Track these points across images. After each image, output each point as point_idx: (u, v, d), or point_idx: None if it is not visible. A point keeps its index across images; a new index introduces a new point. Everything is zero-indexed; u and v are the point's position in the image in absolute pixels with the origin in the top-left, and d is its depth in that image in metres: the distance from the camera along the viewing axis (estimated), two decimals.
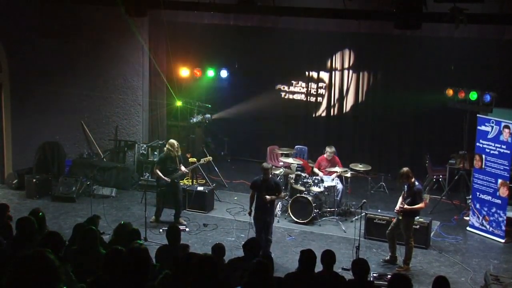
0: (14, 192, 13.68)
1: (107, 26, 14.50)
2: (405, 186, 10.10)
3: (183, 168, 11.97)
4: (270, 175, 10.43)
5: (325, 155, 13.14)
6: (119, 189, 13.96)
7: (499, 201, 11.54)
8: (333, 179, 12.64)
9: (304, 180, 12.48)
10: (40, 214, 7.91)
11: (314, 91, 16.55)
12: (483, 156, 11.81)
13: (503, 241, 11.48)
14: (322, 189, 12.33)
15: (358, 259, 7.13)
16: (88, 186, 13.70)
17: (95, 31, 14.59)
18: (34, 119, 14.34)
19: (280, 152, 13.89)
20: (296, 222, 12.11)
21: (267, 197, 10.05)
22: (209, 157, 13.06)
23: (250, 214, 10.44)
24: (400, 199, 10.15)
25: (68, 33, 14.48)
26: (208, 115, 15.90)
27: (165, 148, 12.15)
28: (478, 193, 11.99)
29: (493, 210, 11.63)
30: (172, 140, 12.04)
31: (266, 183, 10.18)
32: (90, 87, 14.85)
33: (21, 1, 13.71)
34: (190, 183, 13.85)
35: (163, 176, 11.74)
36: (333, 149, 13.11)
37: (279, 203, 12.62)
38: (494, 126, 11.57)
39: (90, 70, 14.82)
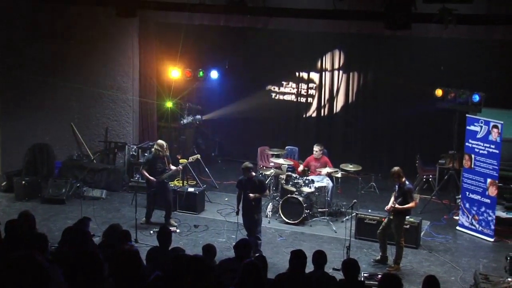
0: (3, 195, 13.59)
1: (97, 27, 14.46)
2: (396, 186, 10.16)
3: (173, 167, 11.97)
4: (254, 174, 10.53)
5: (314, 155, 13.15)
6: (109, 190, 13.92)
7: (488, 201, 11.60)
8: (323, 179, 12.68)
9: (295, 181, 12.49)
10: (30, 216, 7.86)
11: (305, 92, 16.58)
12: (473, 155, 11.87)
13: (492, 240, 11.54)
14: (312, 189, 12.35)
15: (348, 259, 7.16)
16: (78, 188, 13.64)
17: (85, 32, 14.55)
18: (24, 121, 14.28)
19: (271, 152, 13.92)
20: (287, 223, 12.12)
21: (251, 195, 10.21)
22: (197, 155, 13.04)
23: (237, 213, 10.57)
24: (392, 198, 10.20)
25: (58, 34, 14.43)
26: (198, 116, 15.88)
27: (153, 149, 12.14)
28: (467, 193, 12.04)
29: (482, 209, 11.69)
30: (160, 141, 12.05)
31: (250, 181, 10.31)
32: (80, 88, 14.78)
33: (11, 3, 13.64)
34: (181, 184, 13.84)
35: (149, 177, 11.72)
36: (321, 147, 13.12)
37: (270, 203, 12.64)
38: (483, 126, 11.64)
39: (80, 71, 14.76)
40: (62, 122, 14.99)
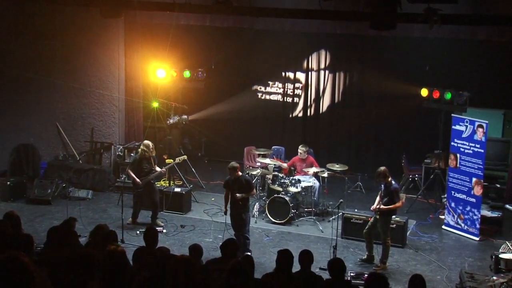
0: None
1: (82, 28, 14.36)
2: (382, 186, 10.20)
3: (158, 168, 11.94)
4: (240, 173, 10.57)
5: (299, 155, 13.16)
6: (95, 191, 13.85)
7: (473, 200, 11.67)
8: (310, 179, 12.70)
9: (282, 181, 12.50)
10: (15, 217, 7.81)
11: (291, 92, 16.61)
12: (458, 155, 11.95)
13: (477, 239, 11.62)
14: (299, 189, 12.36)
15: (334, 258, 7.17)
16: (64, 188, 13.57)
17: (70, 32, 14.45)
18: (8, 121, 14.17)
19: (257, 152, 13.91)
20: (274, 223, 12.13)
21: (237, 194, 10.24)
22: (184, 156, 13.00)
23: (225, 213, 10.57)
24: (378, 198, 10.24)
25: (43, 34, 14.33)
26: (184, 116, 15.84)
27: (139, 149, 12.10)
28: (453, 192, 12.12)
29: (468, 208, 11.76)
30: (146, 141, 12.00)
31: (237, 181, 10.33)
32: (65, 88, 14.70)
33: None
34: (167, 184, 13.80)
35: (135, 178, 11.68)
36: (306, 148, 13.15)
37: (257, 203, 12.64)
38: (468, 126, 11.71)
39: (65, 72, 14.66)
40: (47, 122, 14.89)
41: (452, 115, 12.30)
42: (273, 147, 14.89)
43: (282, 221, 12.09)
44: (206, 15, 13.33)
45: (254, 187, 10.89)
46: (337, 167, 12.74)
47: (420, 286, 6.11)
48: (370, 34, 13.10)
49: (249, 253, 10.11)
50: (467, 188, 11.79)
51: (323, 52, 16.16)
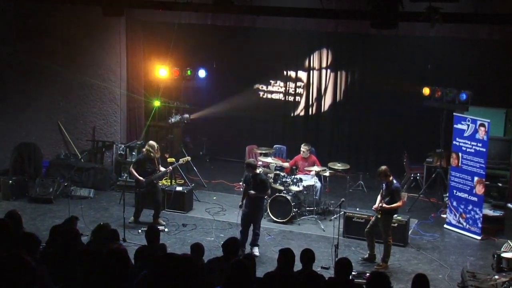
0: None
1: (84, 26, 14.38)
2: (383, 185, 10.19)
3: (162, 168, 11.94)
4: (256, 172, 10.66)
5: (301, 154, 13.16)
6: (97, 190, 13.84)
7: (475, 199, 11.66)
8: (311, 178, 12.70)
9: (283, 180, 12.49)
10: (17, 216, 7.82)
11: (292, 91, 16.60)
12: (460, 154, 11.94)
13: (479, 238, 11.60)
14: (301, 188, 12.36)
15: (343, 258, 7.11)
16: (65, 187, 13.56)
17: (71, 31, 14.46)
18: (10, 120, 14.18)
19: (259, 151, 13.90)
20: (275, 222, 12.12)
21: (251, 192, 10.34)
22: (187, 157, 12.98)
23: (240, 206, 10.69)
24: (379, 197, 10.23)
25: (45, 33, 14.33)
26: (186, 115, 15.84)
27: (144, 149, 12.09)
28: (454, 191, 12.10)
29: (470, 207, 11.75)
30: (152, 142, 11.98)
31: (253, 179, 10.46)
32: (67, 87, 14.71)
33: None
34: (169, 183, 13.80)
35: (138, 176, 11.67)
36: (308, 146, 13.14)
37: None
38: (470, 125, 11.70)
39: (67, 70, 14.64)
40: (49, 121, 14.90)
41: (454, 114, 12.29)
42: (275, 146, 14.87)
43: (284, 220, 12.09)
44: (207, 13, 13.33)
45: (268, 188, 10.86)
46: (338, 166, 12.74)
47: (423, 286, 6.10)
48: (371, 33, 13.08)
49: (257, 247, 10.47)
50: (469, 187, 11.78)
51: (324, 51, 16.14)
